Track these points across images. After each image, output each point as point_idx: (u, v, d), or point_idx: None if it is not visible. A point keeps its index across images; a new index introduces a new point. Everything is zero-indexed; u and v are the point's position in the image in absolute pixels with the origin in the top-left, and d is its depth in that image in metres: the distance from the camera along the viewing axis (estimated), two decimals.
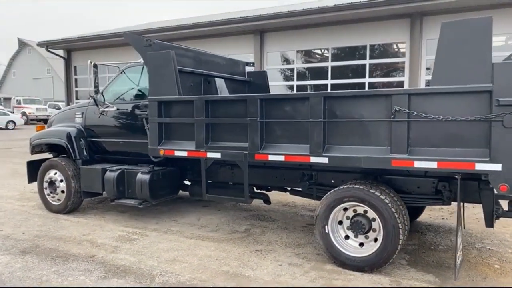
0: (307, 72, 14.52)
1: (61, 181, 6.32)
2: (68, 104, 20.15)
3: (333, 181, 4.99)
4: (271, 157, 4.54)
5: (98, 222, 5.97)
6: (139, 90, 6.11)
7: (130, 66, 6.18)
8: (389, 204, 4.04)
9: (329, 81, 13.66)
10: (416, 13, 11.95)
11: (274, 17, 13.68)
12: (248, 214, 6.46)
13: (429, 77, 12.11)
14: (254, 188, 5.68)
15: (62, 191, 6.33)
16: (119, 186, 5.79)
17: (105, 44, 18.07)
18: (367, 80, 13.17)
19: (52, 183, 6.42)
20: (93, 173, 5.98)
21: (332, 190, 4.34)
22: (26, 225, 5.81)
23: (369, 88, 13.01)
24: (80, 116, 6.48)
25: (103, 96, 6.04)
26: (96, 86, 5.85)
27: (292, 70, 14.54)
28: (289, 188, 5.66)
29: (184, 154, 5.15)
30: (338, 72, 13.76)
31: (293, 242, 5.08)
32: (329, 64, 13.68)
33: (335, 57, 13.69)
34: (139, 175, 5.60)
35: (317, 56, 14.50)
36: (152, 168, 5.67)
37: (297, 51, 14.34)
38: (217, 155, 4.91)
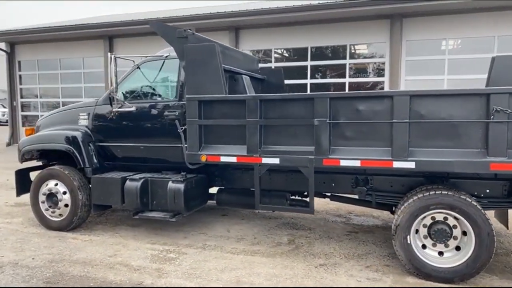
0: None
1: (64, 193, 5.40)
2: (11, 103, 18.14)
3: (391, 186, 4.69)
4: (344, 162, 4.12)
5: (116, 240, 5.17)
6: (159, 87, 5.39)
7: (148, 61, 5.42)
8: (482, 210, 3.81)
9: (308, 81, 13.47)
10: (396, 14, 12.10)
11: (251, 13, 13.24)
12: (276, 222, 5.98)
13: (410, 77, 12.37)
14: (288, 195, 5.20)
15: (66, 205, 5.41)
16: (142, 198, 5.04)
17: (57, 37, 16.51)
18: (347, 80, 13.16)
19: (51, 195, 5.47)
20: (109, 183, 5.16)
21: (416, 198, 4.01)
22: (30, 248, 4.87)
23: (349, 88, 13.02)
24: (86, 117, 5.59)
25: (122, 94, 5.22)
26: (117, 83, 5.03)
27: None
28: (328, 194, 5.29)
29: (232, 160, 4.56)
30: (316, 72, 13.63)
31: (350, 253, 4.70)
32: (309, 63, 13.49)
33: (315, 57, 13.53)
34: (171, 184, 4.89)
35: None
36: (185, 176, 5.00)
37: (274, 50, 13.99)
38: (274, 161, 4.38)
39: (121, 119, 5.35)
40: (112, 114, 5.29)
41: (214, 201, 5.50)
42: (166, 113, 5.08)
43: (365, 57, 13.28)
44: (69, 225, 5.44)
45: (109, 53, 4.89)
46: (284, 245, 4.99)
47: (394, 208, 4.89)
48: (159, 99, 5.34)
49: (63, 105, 17.48)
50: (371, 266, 4.33)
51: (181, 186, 4.86)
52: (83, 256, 4.59)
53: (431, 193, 3.97)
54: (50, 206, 5.50)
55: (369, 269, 4.26)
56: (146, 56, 5.45)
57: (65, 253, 4.68)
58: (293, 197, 5.28)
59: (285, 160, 4.34)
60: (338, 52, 13.44)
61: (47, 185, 5.51)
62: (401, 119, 3.87)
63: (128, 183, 5.07)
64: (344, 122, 4.12)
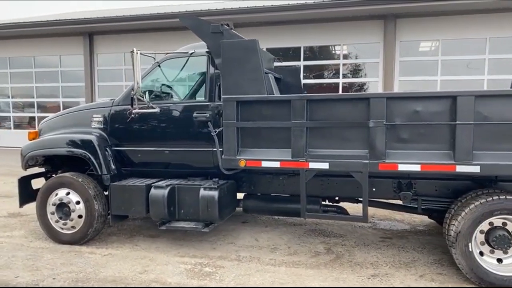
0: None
1: (78, 203, 4.89)
2: None
3: (436, 190, 4.50)
4: (403, 167, 3.88)
5: (139, 253, 4.72)
6: (183, 87, 5.00)
7: (169, 58, 5.00)
8: None
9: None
10: (390, 15, 12.09)
11: (243, 11, 12.91)
12: (303, 229, 5.68)
13: (403, 78, 12.40)
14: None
15: (79, 216, 4.90)
16: (170, 206, 4.62)
17: (31, 33, 15.59)
18: (341, 80, 13.06)
19: (62, 206, 4.94)
20: (132, 191, 4.70)
21: (478, 203, 3.81)
22: (45, 266, 4.35)
23: (342, 89, 12.93)
24: (101, 119, 5.09)
25: (145, 94, 4.76)
26: (139, 82, 4.57)
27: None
28: (361, 199, 5.04)
29: (275, 165, 4.23)
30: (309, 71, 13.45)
31: (396, 262, 4.47)
32: (301, 63, 13.29)
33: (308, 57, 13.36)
34: (204, 192, 4.50)
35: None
36: (218, 182, 4.62)
37: (267, 49, 13.68)
38: (323, 166, 4.09)
39: (142, 121, 4.90)
40: (133, 115, 4.83)
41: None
42: (195, 114, 4.68)
43: (357, 58, 13.23)
44: (83, 238, 4.93)
45: (134, 49, 4.42)
46: (323, 254, 4.71)
47: (433, 213, 4.74)
48: (184, 99, 4.93)
49: (38, 106, 16.53)
50: (424, 275, 4.11)
51: (215, 193, 4.48)
52: (111, 274, 4.13)
53: (494, 198, 3.78)
54: (60, 218, 4.97)
55: (423, 278, 4.04)
56: (167, 53, 5.02)
57: (88, 271, 4.20)
58: (324, 202, 5.03)
59: (335, 165, 4.05)
60: (329, 52, 13.34)
61: (57, 194, 4.98)
62: (466, 120, 3.66)
63: (153, 191, 4.64)
64: (402, 124, 3.88)
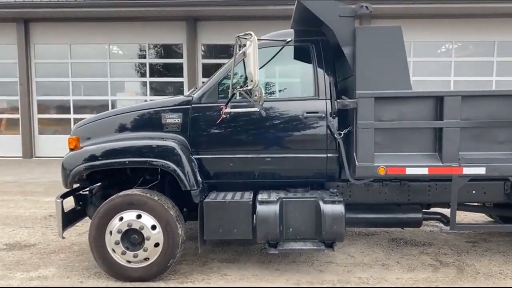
0: None
1: (153, 227, 3.82)
2: None
3: None
4: None
5: (241, 284, 3.82)
6: (283, 81, 4.20)
7: (261, 47, 4.13)
8: None
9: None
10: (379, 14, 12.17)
11: (210, 4, 12.01)
12: (376, 238, 5.22)
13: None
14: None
15: (156, 244, 3.82)
16: (280, 225, 3.82)
17: None
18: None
19: (129, 233, 3.83)
20: (235, 208, 3.78)
21: None
22: None
23: None
24: (178, 120, 4.03)
25: (259, 89, 3.82)
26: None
27: None
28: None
29: (422, 171, 3.70)
30: None
31: None
32: None
33: None
34: (326, 206, 3.77)
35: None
36: (336, 194, 3.93)
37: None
38: (479, 171, 3.68)
39: (238, 122, 4.00)
40: (224, 116, 3.90)
41: None
42: (305, 114, 3.94)
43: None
44: (161, 272, 3.88)
45: (251, 33, 3.52)
46: (443, 267, 4.27)
47: None
48: (288, 96, 4.14)
49: None
50: None
51: (341, 207, 3.79)
52: None
53: None
54: (127, 248, 3.84)
55: None
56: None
57: None
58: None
59: (493, 169, 3.65)
60: None
61: (122, 218, 3.83)
62: None
63: (261, 207, 3.79)
64: None
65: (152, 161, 3.82)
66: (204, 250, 4.71)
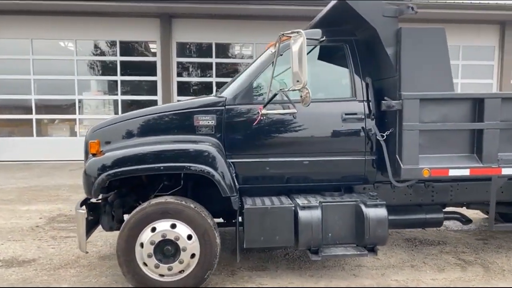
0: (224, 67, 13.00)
1: (189, 237, 3.55)
2: None
3: None
4: None
5: None
6: (317, 82, 4.07)
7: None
8: None
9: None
10: None
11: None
12: (398, 239, 5.24)
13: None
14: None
15: (192, 255, 3.56)
16: (322, 231, 3.70)
17: None
18: None
19: (163, 244, 3.54)
20: (277, 215, 3.61)
21: None
22: None
23: None
24: (211, 122, 3.77)
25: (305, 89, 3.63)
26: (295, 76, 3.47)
27: (210, 65, 12.73)
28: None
29: (464, 173, 3.73)
30: None
31: None
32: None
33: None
34: (369, 210, 3.69)
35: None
36: (377, 198, 3.86)
37: (215, 44, 12.62)
38: None
39: (276, 124, 3.82)
40: (261, 117, 3.72)
41: None
42: (344, 116, 3.85)
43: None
44: (198, 284, 3.63)
45: (301, 31, 3.34)
46: (469, 266, 4.35)
47: None
48: (324, 97, 4.02)
49: None
50: None
51: (384, 211, 3.74)
52: None
53: None
54: (160, 261, 3.54)
55: None
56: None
57: None
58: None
59: None
60: None
61: (154, 229, 3.53)
62: None
63: (303, 212, 3.64)
64: None
65: (190, 166, 3.54)
66: (227, 258, 4.49)
